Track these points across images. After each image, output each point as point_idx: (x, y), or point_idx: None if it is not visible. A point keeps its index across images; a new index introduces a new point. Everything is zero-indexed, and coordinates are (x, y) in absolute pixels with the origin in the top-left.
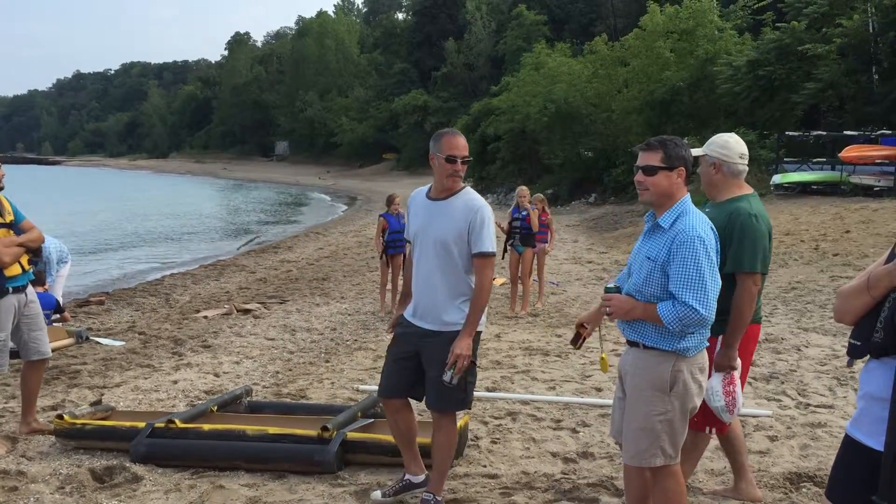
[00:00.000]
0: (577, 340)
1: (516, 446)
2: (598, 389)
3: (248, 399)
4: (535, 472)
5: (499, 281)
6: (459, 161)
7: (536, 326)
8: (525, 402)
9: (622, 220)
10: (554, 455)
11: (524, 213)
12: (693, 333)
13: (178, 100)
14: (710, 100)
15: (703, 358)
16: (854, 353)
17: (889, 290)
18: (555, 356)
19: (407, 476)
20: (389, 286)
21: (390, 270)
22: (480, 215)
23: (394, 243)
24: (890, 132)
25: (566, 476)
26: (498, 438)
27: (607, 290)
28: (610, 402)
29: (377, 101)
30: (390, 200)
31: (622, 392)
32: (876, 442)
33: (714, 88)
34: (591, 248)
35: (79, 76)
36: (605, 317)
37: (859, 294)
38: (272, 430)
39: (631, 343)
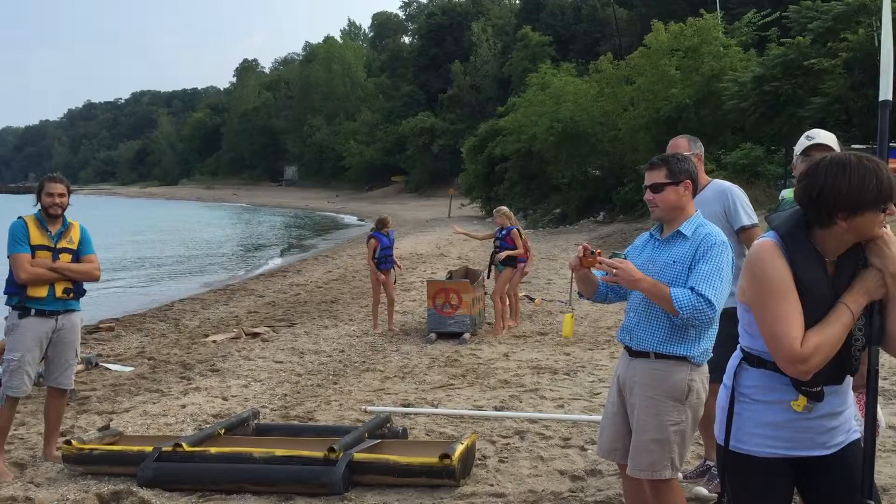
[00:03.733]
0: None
1: (524, 465)
2: None
3: (255, 422)
4: (543, 490)
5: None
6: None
7: (545, 345)
8: (533, 421)
9: (631, 237)
10: (562, 473)
11: (503, 232)
12: (703, 339)
13: (187, 127)
14: (716, 116)
15: (707, 368)
16: (819, 396)
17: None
18: (563, 374)
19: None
20: (384, 301)
21: (382, 288)
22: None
23: (385, 259)
24: None
25: (574, 494)
26: (506, 457)
27: (614, 256)
28: None
29: (384, 124)
30: (383, 223)
31: (619, 407)
32: (819, 450)
33: (720, 105)
34: None
35: (90, 105)
36: (612, 280)
37: (846, 332)
38: (279, 451)
39: (638, 354)
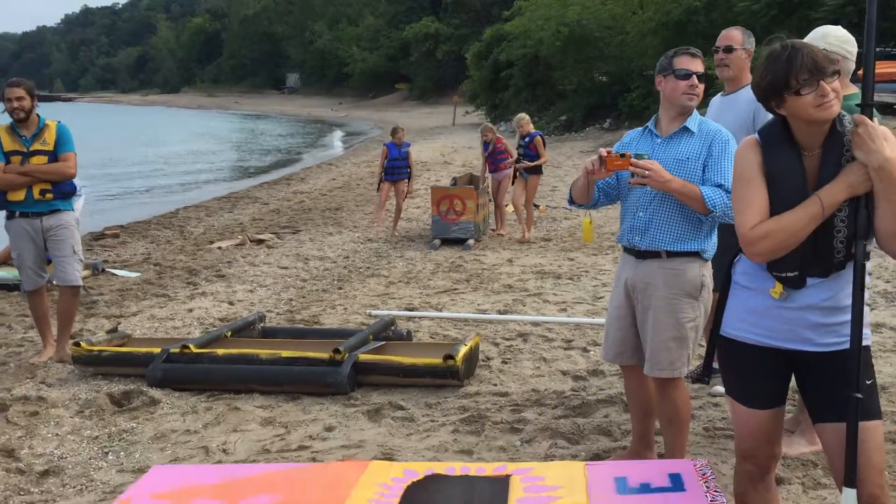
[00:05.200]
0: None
1: (527, 366)
2: None
3: (261, 325)
4: (546, 389)
5: (510, 208)
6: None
7: (549, 251)
8: (536, 324)
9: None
10: (564, 373)
11: (527, 140)
12: (712, 236)
13: (186, 33)
14: (727, 19)
15: (710, 264)
16: (795, 283)
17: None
18: (566, 279)
19: None
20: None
21: (393, 196)
22: None
23: (392, 170)
24: None
25: (576, 393)
26: (509, 359)
27: (639, 157)
28: None
29: (388, 29)
30: (394, 131)
31: (625, 310)
32: (804, 345)
33: (731, 7)
34: None
35: (87, 11)
36: (641, 182)
37: (813, 223)
38: (285, 353)
39: (647, 254)
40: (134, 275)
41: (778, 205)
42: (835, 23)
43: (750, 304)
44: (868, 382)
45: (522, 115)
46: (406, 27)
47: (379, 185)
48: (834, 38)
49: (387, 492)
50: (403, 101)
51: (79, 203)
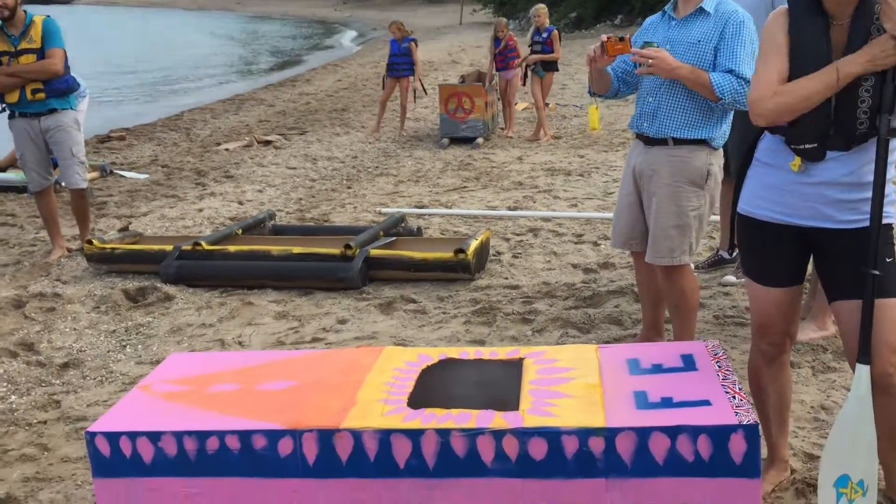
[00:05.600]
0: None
1: (538, 260)
2: None
3: (272, 223)
4: (556, 282)
5: (520, 105)
6: None
7: (559, 148)
8: (546, 219)
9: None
10: (575, 266)
11: (544, 34)
12: (722, 123)
13: None
14: None
15: (721, 153)
16: (815, 156)
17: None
18: (577, 175)
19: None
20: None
21: (398, 93)
22: None
23: (392, 66)
24: None
25: (587, 285)
26: (519, 253)
27: (646, 45)
28: None
29: None
30: (392, 26)
31: (634, 196)
32: (824, 222)
33: None
34: None
35: None
36: (647, 71)
37: (825, 91)
38: (297, 249)
39: (655, 141)
40: (142, 176)
41: (798, 74)
42: None
43: (769, 180)
44: (888, 260)
45: (541, 5)
46: None
47: (383, 82)
48: None
49: (402, 375)
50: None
51: (83, 104)
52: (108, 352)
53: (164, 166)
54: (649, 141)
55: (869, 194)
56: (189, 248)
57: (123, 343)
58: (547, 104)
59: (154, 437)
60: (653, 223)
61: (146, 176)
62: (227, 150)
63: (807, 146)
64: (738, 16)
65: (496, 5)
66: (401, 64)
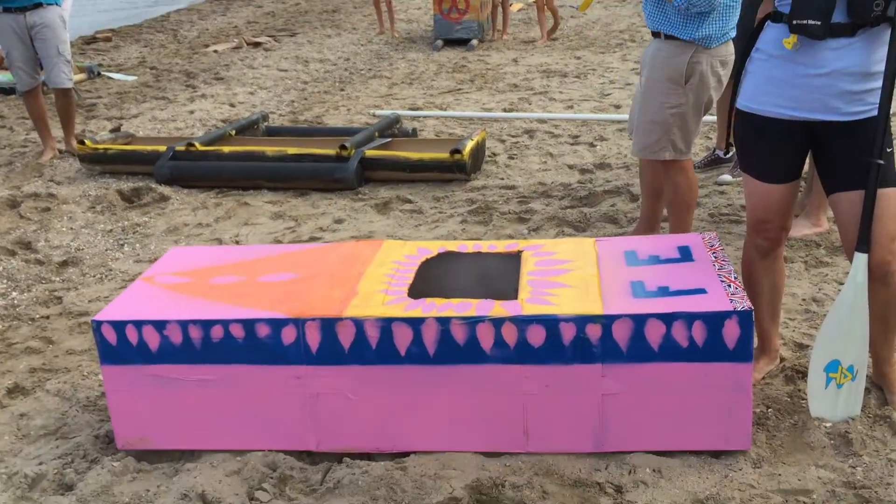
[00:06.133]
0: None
1: (534, 161)
2: (617, 106)
3: (265, 124)
4: (552, 182)
5: (516, 7)
6: None
7: (555, 50)
8: (542, 121)
9: None
10: (571, 167)
11: None
12: (712, 21)
13: None
14: None
15: (727, 50)
16: (816, 33)
17: None
18: (573, 77)
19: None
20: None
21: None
22: None
23: None
24: None
25: (582, 185)
26: (515, 154)
27: None
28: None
29: None
30: None
31: (639, 88)
32: (831, 115)
33: None
34: None
35: None
36: None
37: None
38: (291, 150)
39: (654, 34)
40: (131, 78)
41: None
42: None
43: (775, 73)
44: (889, 150)
45: None
46: None
47: None
48: None
49: (402, 268)
50: None
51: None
52: (106, 250)
53: (153, 68)
54: (652, 33)
55: (875, 84)
56: (183, 148)
57: (121, 242)
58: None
59: (159, 325)
60: (636, 115)
61: (135, 78)
62: (216, 51)
63: (809, 22)
64: None
65: None
66: None
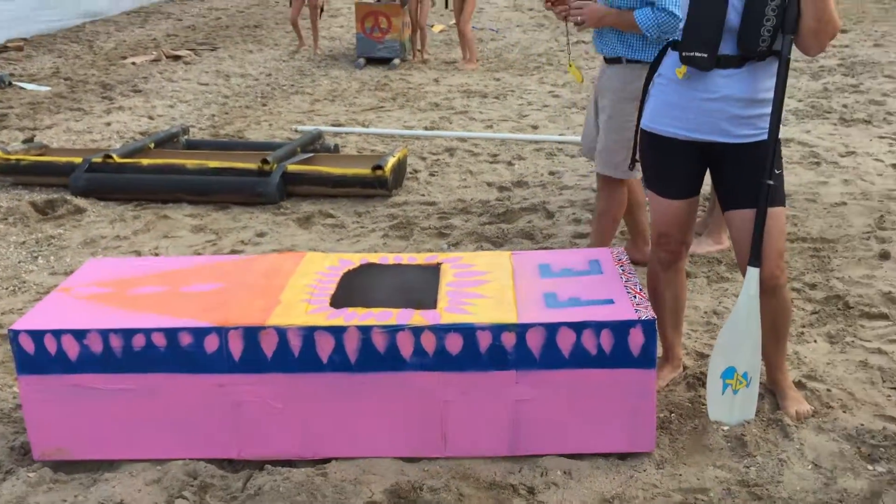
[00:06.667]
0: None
1: (454, 178)
2: (535, 127)
3: (185, 137)
4: (472, 199)
5: (437, 28)
6: None
7: (475, 71)
8: (463, 140)
9: None
10: (489, 185)
11: None
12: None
13: None
14: None
15: None
16: (703, 65)
17: None
18: (493, 98)
19: None
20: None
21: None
22: None
23: None
24: None
25: (500, 202)
26: (436, 171)
27: None
28: (546, 137)
29: None
30: None
31: (594, 112)
32: (722, 136)
33: None
34: None
35: None
36: (575, 27)
37: None
38: (212, 164)
39: (611, 61)
40: (44, 88)
41: None
42: None
43: (673, 97)
44: (777, 172)
45: None
46: None
47: (290, 1)
48: None
49: (324, 278)
50: None
51: None
52: (19, 262)
53: (67, 79)
54: (607, 60)
55: (764, 110)
56: (100, 160)
57: (35, 254)
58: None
59: (79, 334)
60: (602, 137)
61: (48, 88)
62: (133, 63)
63: (696, 54)
64: None
65: None
66: None
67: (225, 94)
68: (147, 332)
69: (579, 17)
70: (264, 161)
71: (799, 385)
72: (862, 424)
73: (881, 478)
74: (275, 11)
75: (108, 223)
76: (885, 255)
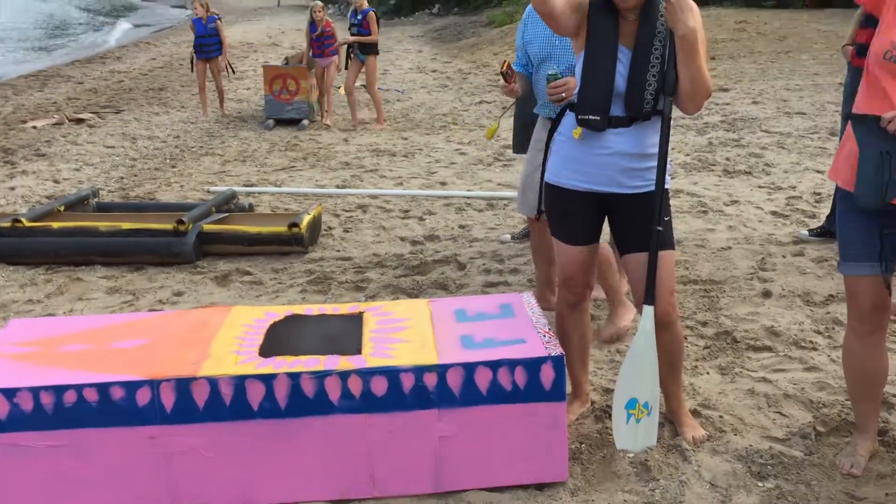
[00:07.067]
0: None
1: (368, 234)
2: (443, 183)
3: (95, 200)
4: (386, 253)
5: (342, 90)
6: None
7: (384, 130)
8: (374, 197)
9: (465, 30)
10: (402, 239)
11: (360, 16)
12: None
13: None
14: None
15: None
16: (597, 126)
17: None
18: (402, 156)
19: None
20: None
21: (209, 75)
22: None
23: (201, 47)
24: None
25: (414, 255)
26: (350, 228)
27: (552, 77)
28: (454, 193)
29: None
30: (198, 7)
31: (532, 168)
32: (616, 188)
33: None
34: (435, 58)
35: None
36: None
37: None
38: (126, 225)
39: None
40: None
41: (591, 54)
42: None
43: (572, 152)
44: (666, 219)
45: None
46: None
47: (192, 64)
48: None
49: (251, 330)
50: None
51: None
52: None
53: None
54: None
55: (651, 163)
56: (8, 224)
57: None
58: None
59: (9, 393)
60: (533, 185)
61: None
62: (34, 127)
63: (590, 117)
64: None
65: None
66: (209, 44)
67: (133, 156)
68: (78, 388)
69: (564, 94)
70: (180, 221)
71: (695, 413)
72: (751, 445)
73: (770, 493)
74: (179, 74)
75: (19, 287)
76: (766, 294)
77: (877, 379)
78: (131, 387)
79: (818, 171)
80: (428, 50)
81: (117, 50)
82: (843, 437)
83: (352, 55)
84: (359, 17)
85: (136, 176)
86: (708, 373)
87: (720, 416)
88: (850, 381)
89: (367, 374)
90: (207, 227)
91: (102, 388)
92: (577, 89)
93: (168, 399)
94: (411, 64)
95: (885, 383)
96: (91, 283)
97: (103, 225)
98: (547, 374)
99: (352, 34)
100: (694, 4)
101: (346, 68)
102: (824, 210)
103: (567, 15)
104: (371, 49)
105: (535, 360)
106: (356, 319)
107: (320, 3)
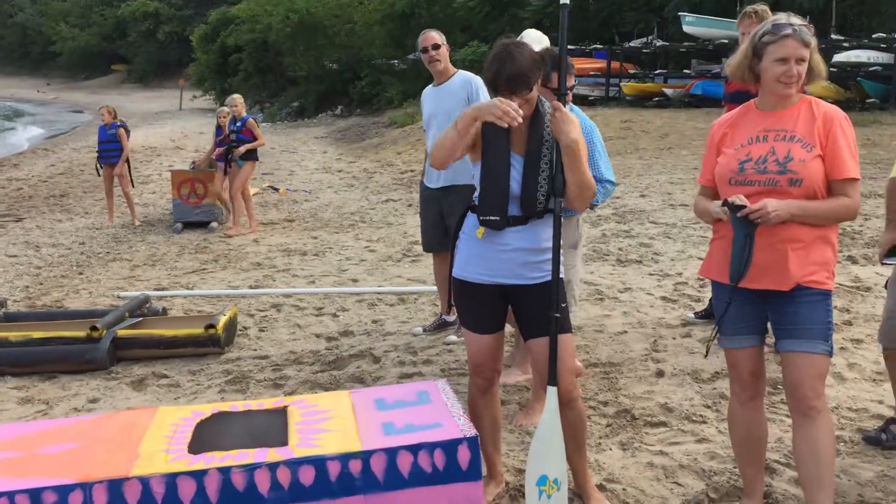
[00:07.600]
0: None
1: (283, 332)
2: (355, 280)
3: (2, 310)
4: (302, 350)
5: (253, 190)
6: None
7: (293, 230)
8: (288, 296)
9: (368, 130)
10: (318, 336)
11: (238, 124)
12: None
13: None
14: (447, 13)
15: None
16: (497, 226)
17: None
18: (313, 255)
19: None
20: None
21: (116, 181)
22: (475, 84)
23: (103, 153)
24: (602, 47)
25: (330, 350)
26: (265, 327)
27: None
28: (366, 289)
29: (101, 6)
30: (100, 111)
31: None
32: (517, 279)
33: (451, 2)
34: (340, 158)
35: None
36: None
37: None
38: (37, 334)
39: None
40: None
41: (487, 163)
42: (538, 22)
43: (476, 249)
44: (563, 305)
45: (237, 95)
46: (122, 5)
47: (97, 170)
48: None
49: (179, 429)
50: (122, 83)
51: None
52: None
53: None
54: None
55: (547, 256)
56: None
57: None
58: (277, 189)
59: None
60: None
61: None
62: None
63: (490, 217)
64: (587, 124)
65: (217, 92)
66: (110, 150)
67: (37, 264)
68: (10, 495)
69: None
70: (93, 328)
71: (600, 487)
72: None
73: None
74: (81, 180)
75: None
76: (660, 373)
77: (759, 442)
78: (63, 490)
79: (700, 259)
80: (333, 150)
81: (14, 157)
82: (733, 502)
83: (231, 163)
84: (238, 124)
85: (41, 284)
86: (611, 449)
87: (623, 489)
88: (736, 446)
89: (294, 464)
90: (122, 332)
91: (34, 493)
92: (477, 193)
93: (100, 501)
94: (317, 164)
95: (766, 447)
96: (1, 394)
97: (13, 335)
98: (463, 455)
99: (231, 141)
100: (574, 117)
101: (226, 174)
102: (707, 294)
103: (466, 149)
104: (251, 155)
105: (451, 442)
106: (281, 413)
107: (226, 109)
